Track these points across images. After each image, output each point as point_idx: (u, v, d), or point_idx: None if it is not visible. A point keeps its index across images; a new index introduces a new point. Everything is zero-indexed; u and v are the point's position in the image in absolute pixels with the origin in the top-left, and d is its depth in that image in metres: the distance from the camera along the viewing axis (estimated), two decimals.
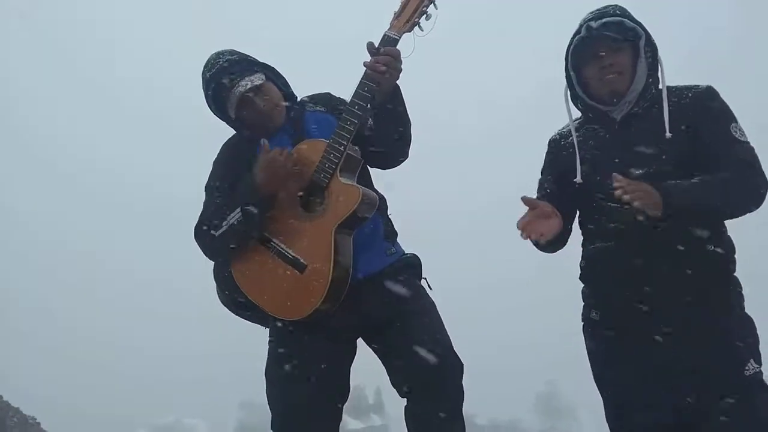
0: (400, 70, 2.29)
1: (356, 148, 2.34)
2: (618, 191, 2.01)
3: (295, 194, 2.32)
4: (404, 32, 2.29)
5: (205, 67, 2.43)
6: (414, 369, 2.23)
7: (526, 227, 2.14)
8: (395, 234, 2.52)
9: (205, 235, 2.36)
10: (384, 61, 2.25)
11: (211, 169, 2.51)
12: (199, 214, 2.43)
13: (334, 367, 2.36)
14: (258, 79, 2.40)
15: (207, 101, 2.46)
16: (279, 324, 2.37)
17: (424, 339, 2.26)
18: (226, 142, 2.54)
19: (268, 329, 2.46)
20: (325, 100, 2.54)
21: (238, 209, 2.28)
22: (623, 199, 1.99)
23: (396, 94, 2.34)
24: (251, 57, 2.47)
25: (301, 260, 2.27)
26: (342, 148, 2.26)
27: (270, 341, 2.43)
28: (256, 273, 2.33)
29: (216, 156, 2.52)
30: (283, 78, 2.53)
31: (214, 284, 2.47)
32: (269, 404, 2.36)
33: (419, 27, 2.29)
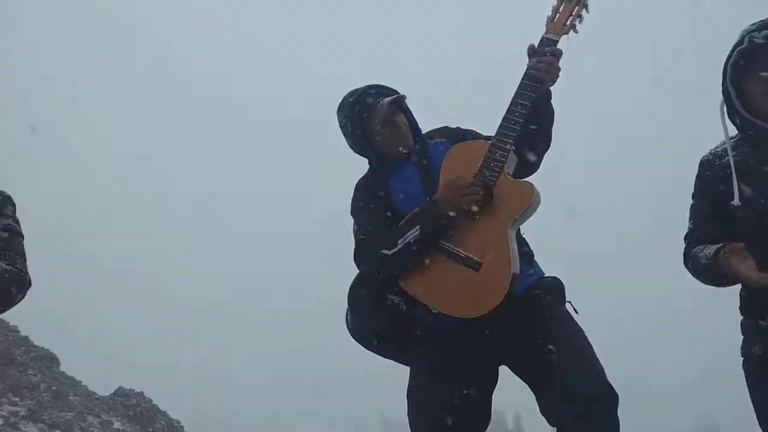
0: (560, 69, 2.39)
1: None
2: None
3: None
4: (563, 34, 2.41)
5: (345, 97, 2.63)
6: (566, 399, 2.17)
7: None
8: (532, 254, 2.50)
9: (374, 253, 2.39)
10: (548, 61, 2.36)
11: (352, 207, 2.61)
12: (355, 238, 2.51)
13: (477, 391, 2.35)
14: (399, 101, 2.59)
15: (351, 123, 2.60)
16: (422, 346, 2.41)
17: (576, 367, 2.21)
18: (358, 182, 2.67)
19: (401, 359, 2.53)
20: (445, 132, 2.65)
21: (417, 227, 2.32)
22: None
23: (550, 96, 2.44)
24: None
25: (475, 258, 2.29)
26: (508, 147, 2.34)
27: (413, 363, 2.46)
28: (425, 276, 2.35)
29: (353, 195, 2.64)
30: (411, 113, 2.67)
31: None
32: (410, 425, 2.39)
33: (574, 30, 2.42)
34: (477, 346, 2.33)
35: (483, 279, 2.26)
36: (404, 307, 2.39)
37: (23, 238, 2.31)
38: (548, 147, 2.51)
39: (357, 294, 2.50)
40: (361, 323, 2.51)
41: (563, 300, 2.45)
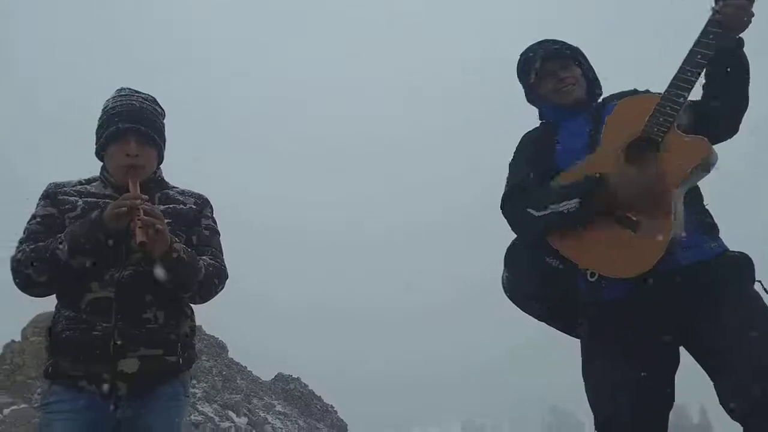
0: (753, 15, 2.17)
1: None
2: None
3: (619, 150, 2.26)
4: None
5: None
6: (749, 389, 1.95)
7: None
8: (716, 228, 2.30)
9: (519, 208, 2.36)
10: (737, 5, 2.14)
11: (514, 157, 2.58)
12: (505, 186, 2.48)
13: (655, 371, 2.19)
14: (563, 53, 2.55)
15: (519, 75, 2.64)
16: (591, 322, 2.31)
17: (763, 354, 2.00)
18: (525, 133, 2.63)
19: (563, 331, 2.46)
20: (630, 94, 2.51)
21: (576, 201, 2.23)
22: None
23: (741, 45, 2.22)
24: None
25: (633, 218, 2.18)
26: (681, 100, 2.17)
27: (584, 340, 2.36)
28: (578, 235, 2.27)
29: (517, 145, 2.61)
30: (593, 70, 2.59)
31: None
32: (591, 406, 2.27)
33: None
34: (650, 322, 2.19)
35: (639, 239, 2.15)
36: (562, 270, 2.33)
37: (220, 235, 2.52)
38: (745, 107, 2.28)
39: (514, 255, 2.49)
40: (516, 283, 2.48)
41: (752, 278, 2.22)
